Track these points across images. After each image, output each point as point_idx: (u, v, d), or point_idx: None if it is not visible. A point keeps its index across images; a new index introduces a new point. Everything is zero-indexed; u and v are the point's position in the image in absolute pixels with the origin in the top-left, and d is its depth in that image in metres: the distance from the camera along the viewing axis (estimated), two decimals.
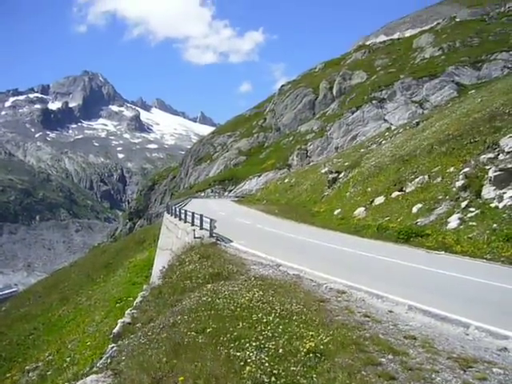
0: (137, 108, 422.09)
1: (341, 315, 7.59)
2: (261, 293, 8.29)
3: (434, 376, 5.15)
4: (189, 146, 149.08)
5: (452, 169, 20.78)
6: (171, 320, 7.30)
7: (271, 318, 6.80)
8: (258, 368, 5.07)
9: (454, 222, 16.61)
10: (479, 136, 21.71)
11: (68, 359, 21.00)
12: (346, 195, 29.13)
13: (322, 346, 5.70)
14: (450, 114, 33.99)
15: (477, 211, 16.46)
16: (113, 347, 7.87)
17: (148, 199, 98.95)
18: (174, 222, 24.71)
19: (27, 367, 23.75)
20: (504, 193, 16.21)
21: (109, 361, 7.13)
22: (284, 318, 6.92)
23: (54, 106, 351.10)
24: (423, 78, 55.29)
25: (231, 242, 16.43)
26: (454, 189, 18.76)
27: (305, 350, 5.57)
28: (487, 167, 18.09)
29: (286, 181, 49.78)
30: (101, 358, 8.97)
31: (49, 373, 21.20)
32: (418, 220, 18.47)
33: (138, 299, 11.71)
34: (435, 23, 79.36)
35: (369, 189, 26.80)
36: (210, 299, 7.95)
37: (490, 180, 17.14)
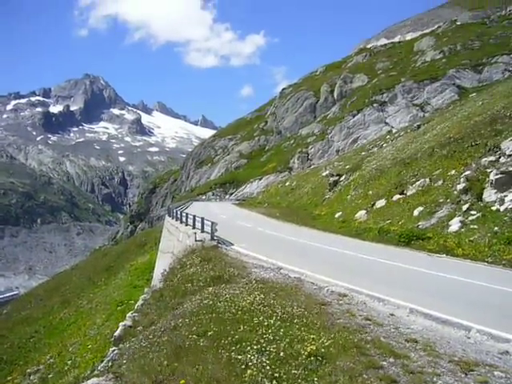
0: (138, 111, 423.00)
1: (342, 318, 7.59)
2: (262, 296, 8.28)
3: (435, 379, 5.15)
4: (190, 149, 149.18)
5: (453, 172, 20.76)
6: (172, 323, 7.30)
7: (272, 321, 6.80)
8: (259, 371, 5.07)
9: (455, 225, 16.58)
10: (480, 139, 21.70)
11: (69, 362, 21.01)
12: (347, 198, 29.11)
13: (323, 350, 5.70)
14: (451, 117, 34.00)
15: (478, 214, 16.44)
16: (114, 350, 7.87)
17: (149, 202, 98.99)
18: (175, 225, 24.72)
19: (28, 370, 23.72)
20: (505, 196, 16.19)
21: (110, 364, 7.14)
22: (285, 321, 6.92)
23: (56, 109, 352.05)
24: (424, 81, 55.38)
25: (232, 245, 16.41)
26: (455, 192, 18.74)
27: (306, 353, 5.57)
28: (488, 170, 18.07)
29: (287, 184, 49.77)
30: (102, 361, 8.99)
31: (50, 376, 21.18)
32: (420, 223, 18.45)
33: (140, 302, 11.72)
34: (436, 26, 79.60)
35: (370, 192, 26.78)
36: (211, 302, 7.95)
37: (491, 183, 17.12)
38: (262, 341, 5.96)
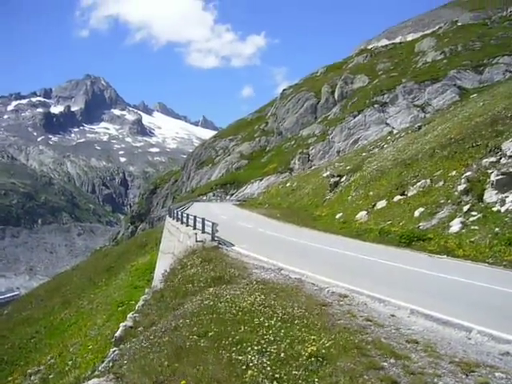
0: (139, 112, 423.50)
1: (343, 319, 7.59)
2: (262, 297, 8.29)
3: (436, 380, 5.15)
4: (191, 150, 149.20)
5: (454, 173, 20.76)
6: (173, 324, 7.31)
7: (273, 322, 6.80)
8: (259, 372, 5.08)
9: (456, 225, 16.58)
10: (481, 140, 21.69)
11: (70, 363, 21.00)
12: (348, 199, 29.10)
13: (323, 350, 5.70)
14: (452, 118, 34.00)
15: (479, 215, 16.43)
16: (115, 351, 7.87)
17: (150, 203, 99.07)
18: (176, 226, 24.73)
19: (29, 371, 23.73)
20: (506, 197, 16.18)
21: (111, 364, 7.14)
22: (286, 322, 6.93)
23: (57, 109, 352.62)
24: (425, 81, 55.35)
25: (233, 245, 16.41)
26: (456, 193, 18.73)
27: (307, 354, 5.57)
28: (489, 171, 18.07)
29: (288, 185, 49.76)
30: (103, 361, 9.00)
31: (51, 376, 21.19)
32: (420, 224, 18.44)
33: (140, 303, 11.73)
34: (437, 27, 79.57)
35: (371, 193, 26.78)
36: (211, 303, 7.96)
37: (492, 184, 17.11)
38: (263, 341, 5.96)
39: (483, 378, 5.30)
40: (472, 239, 15.17)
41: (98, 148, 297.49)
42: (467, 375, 5.36)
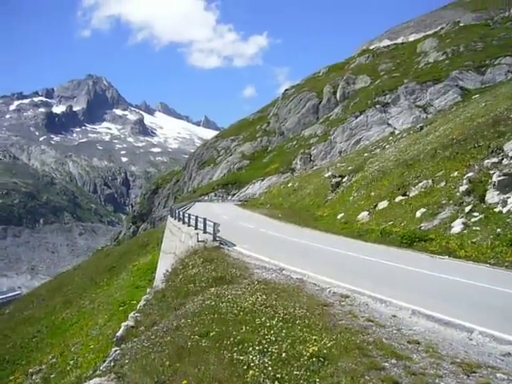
0: (140, 112, 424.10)
1: (344, 319, 7.59)
2: (264, 297, 8.29)
3: (437, 381, 5.15)
4: (192, 150, 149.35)
5: (456, 173, 20.72)
6: (174, 323, 7.32)
7: (274, 322, 6.81)
8: (261, 372, 5.08)
9: (457, 226, 16.55)
10: (483, 141, 21.65)
11: (71, 362, 21.04)
12: (350, 199, 29.08)
13: (325, 351, 5.71)
14: (454, 119, 33.95)
15: (480, 216, 16.40)
16: (116, 350, 7.88)
17: (151, 203, 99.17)
18: (178, 226, 24.75)
19: (30, 370, 23.79)
20: (508, 197, 16.15)
21: (112, 364, 7.15)
22: (287, 322, 6.93)
23: (59, 109, 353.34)
24: (427, 82, 55.28)
25: (234, 245, 16.42)
26: (458, 193, 18.70)
27: (308, 354, 5.58)
28: (491, 172, 18.03)
29: (290, 185, 49.76)
30: (104, 361, 9.00)
31: (52, 376, 21.24)
32: (422, 224, 18.42)
33: (142, 303, 11.75)
34: (439, 28, 79.40)
35: (372, 193, 26.76)
36: (213, 303, 7.97)
37: (493, 185, 17.08)
38: (264, 341, 5.97)
39: (484, 378, 5.29)
40: (474, 240, 15.14)
41: (100, 148, 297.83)
42: (468, 376, 5.36)
